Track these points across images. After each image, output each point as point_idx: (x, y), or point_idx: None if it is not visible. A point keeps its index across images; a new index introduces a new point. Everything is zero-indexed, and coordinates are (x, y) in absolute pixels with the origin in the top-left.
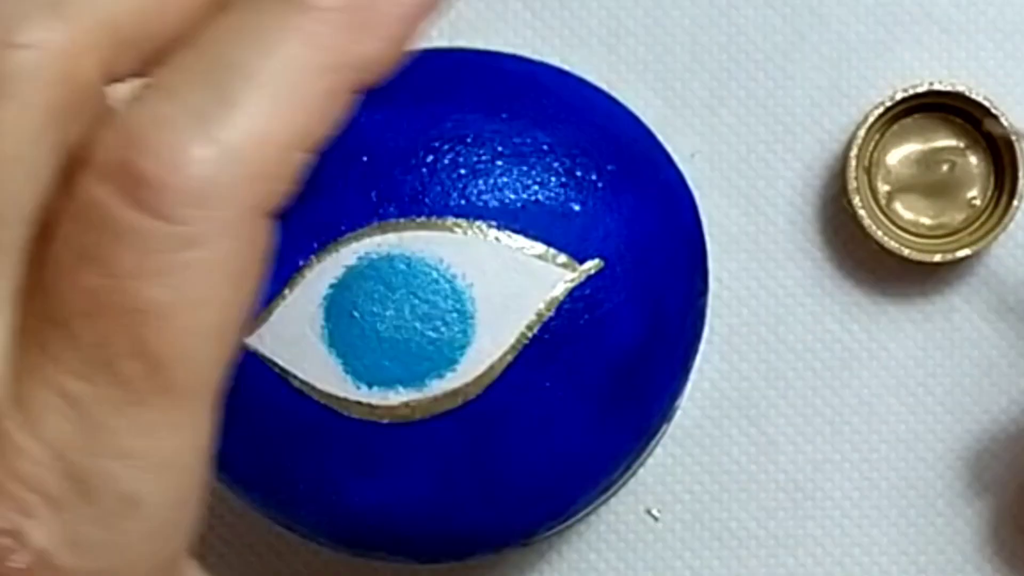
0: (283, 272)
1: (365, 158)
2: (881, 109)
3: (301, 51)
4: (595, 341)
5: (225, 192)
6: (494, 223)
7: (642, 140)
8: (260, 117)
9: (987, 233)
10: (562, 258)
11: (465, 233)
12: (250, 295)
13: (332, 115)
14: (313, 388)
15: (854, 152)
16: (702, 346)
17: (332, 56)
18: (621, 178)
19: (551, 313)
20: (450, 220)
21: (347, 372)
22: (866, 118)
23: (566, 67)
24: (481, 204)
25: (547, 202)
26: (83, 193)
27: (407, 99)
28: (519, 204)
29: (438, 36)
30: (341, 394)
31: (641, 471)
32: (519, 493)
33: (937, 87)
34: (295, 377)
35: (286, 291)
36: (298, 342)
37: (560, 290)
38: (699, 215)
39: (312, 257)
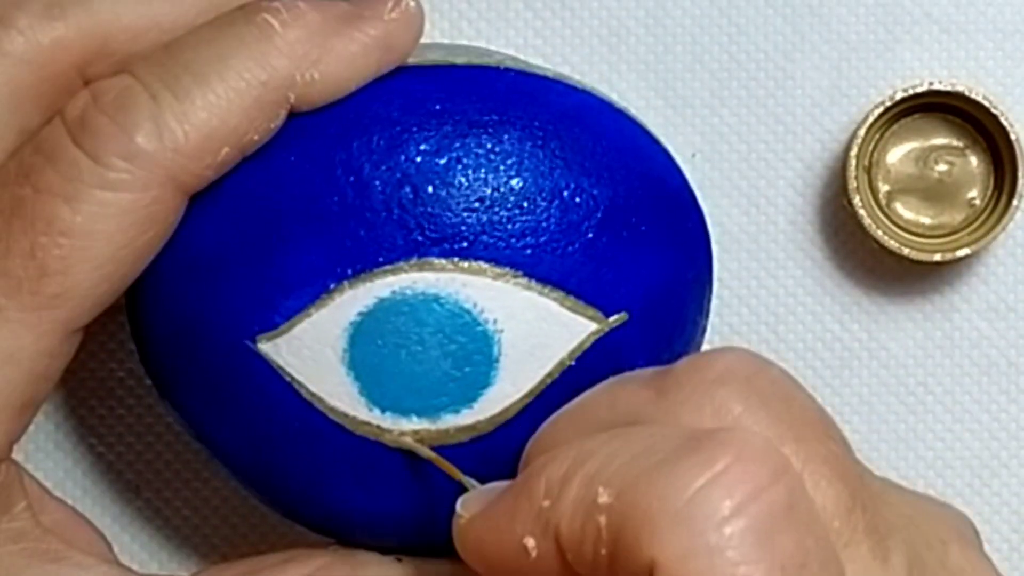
0: (311, 290)
1: (409, 191)
2: (881, 109)
3: (250, 64)
4: None
5: (154, 158)
6: (533, 273)
7: (675, 185)
8: (202, 111)
9: (987, 233)
10: (591, 311)
11: (504, 281)
12: (143, 249)
13: (264, 124)
14: (322, 402)
15: (854, 152)
16: (703, 345)
17: (275, 76)
18: (655, 230)
19: (572, 362)
20: (489, 267)
21: (362, 394)
22: (866, 118)
23: (567, 67)
24: (522, 252)
25: (586, 254)
26: (47, 129)
27: (454, 131)
28: (559, 254)
29: (439, 36)
30: (351, 412)
31: None
32: None
33: (937, 87)
34: (304, 388)
35: (311, 309)
36: (316, 359)
37: (585, 341)
38: (711, 256)
39: (344, 283)
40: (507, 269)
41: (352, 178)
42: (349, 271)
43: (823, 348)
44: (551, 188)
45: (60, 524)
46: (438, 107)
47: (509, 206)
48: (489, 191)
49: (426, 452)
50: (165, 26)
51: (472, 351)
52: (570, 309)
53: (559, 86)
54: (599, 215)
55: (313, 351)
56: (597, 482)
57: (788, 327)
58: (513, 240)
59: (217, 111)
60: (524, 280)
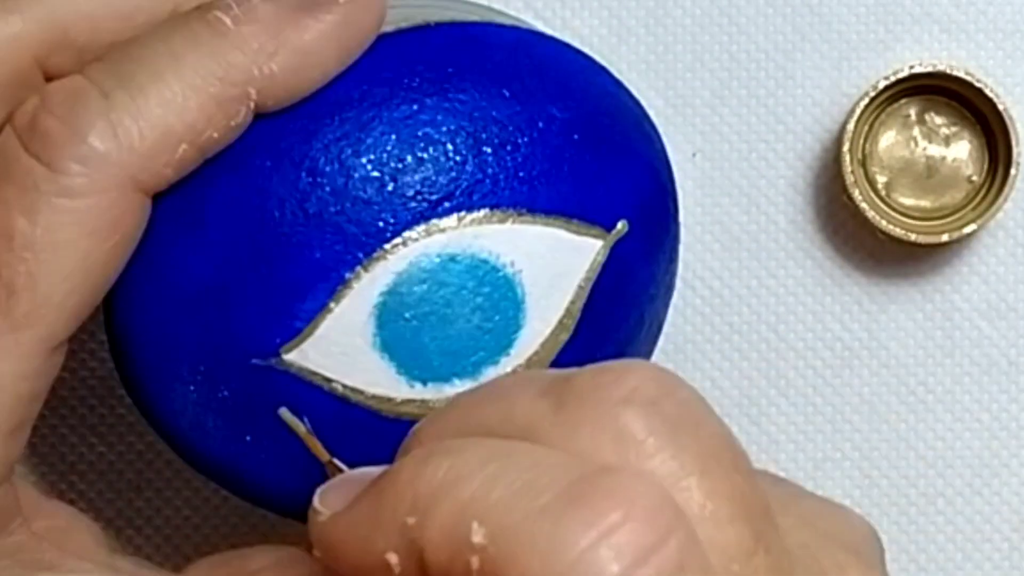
0: (326, 286)
1: (396, 162)
2: (867, 100)
3: (205, 61)
4: (631, 302)
5: (109, 159)
6: (535, 207)
7: (625, 98)
8: (157, 107)
9: (990, 206)
10: (595, 229)
11: (512, 223)
12: (111, 256)
13: (224, 121)
14: (361, 392)
15: (846, 147)
16: (703, 345)
17: (232, 71)
18: (627, 139)
19: (591, 282)
20: (494, 212)
21: (400, 373)
22: (853, 110)
23: None
24: (519, 190)
25: (576, 175)
26: None
27: (419, 94)
28: (553, 182)
29: None
30: (392, 395)
31: None
32: None
33: (919, 70)
34: (339, 384)
35: (331, 304)
36: (346, 352)
37: (597, 258)
38: (670, 161)
39: (359, 268)
40: (510, 210)
41: (335, 166)
42: (361, 255)
43: (823, 348)
44: (526, 122)
45: (54, 530)
46: (392, 75)
47: (493, 149)
48: (471, 141)
49: (294, 424)
50: (124, 12)
51: (498, 299)
52: (576, 232)
53: (491, 27)
54: (576, 136)
55: (341, 344)
56: (470, 514)
57: (788, 327)
58: (507, 180)
59: (173, 107)
60: (529, 216)
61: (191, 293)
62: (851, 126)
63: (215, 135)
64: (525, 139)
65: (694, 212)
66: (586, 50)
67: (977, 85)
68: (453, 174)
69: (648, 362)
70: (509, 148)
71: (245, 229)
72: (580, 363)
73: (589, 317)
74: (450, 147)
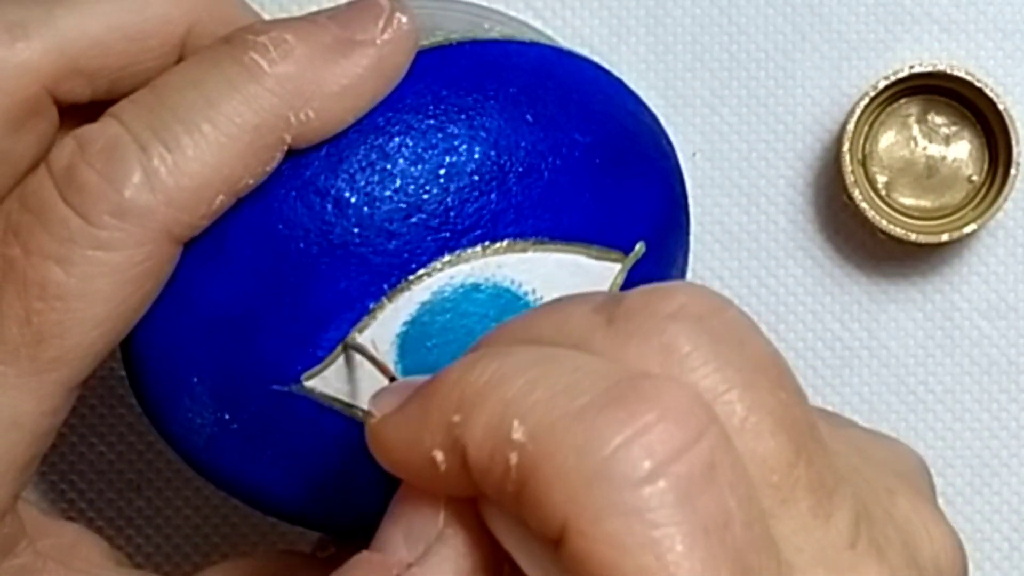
0: (350, 315)
1: (421, 193)
2: (867, 100)
3: (241, 109)
4: None
5: (146, 213)
6: (556, 235)
7: (641, 112)
8: (194, 160)
9: (990, 206)
10: (614, 253)
11: (534, 251)
12: (141, 302)
13: (259, 168)
14: None
15: (846, 147)
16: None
17: (268, 118)
18: (644, 160)
19: None
20: (516, 242)
21: None
22: (853, 110)
23: None
24: (542, 218)
25: (596, 200)
26: (33, 181)
27: (438, 122)
28: (574, 209)
29: None
30: None
31: None
32: None
33: (918, 69)
34: (360, 409)
35: (355, 333)
36: (368, 378)
37: (616, 281)
38: (682, 171)
39: (383, 299)
40: (532, 239)
41: (361, 196)
42: (385, 286)
43: (823, 348)
44: (550, 149)
45: (59, 548)
46: (416, 102)
47: (517, 178)
48: (495, 170)
49: (363, 348)
50: (135, 36)
51: None
52: (596, 257)
53: (513, 45)
54: (597, 161)
55: (364, 371)
56: (512, 412)
57: (788, 327)
58: (531, 209)
59: (210, 160)
60: (551, 244)
61: (211, 319)
62: (851, 126)
63: (251, 182)
64: (549, 166)
65: (694, 212)
66: (586, 50)
67: (977, 85)
68: (478, 204)
69: (698, 284)
70: (534, 176)
71: (268, 258)
72: None
73: None
74: (476, 177)
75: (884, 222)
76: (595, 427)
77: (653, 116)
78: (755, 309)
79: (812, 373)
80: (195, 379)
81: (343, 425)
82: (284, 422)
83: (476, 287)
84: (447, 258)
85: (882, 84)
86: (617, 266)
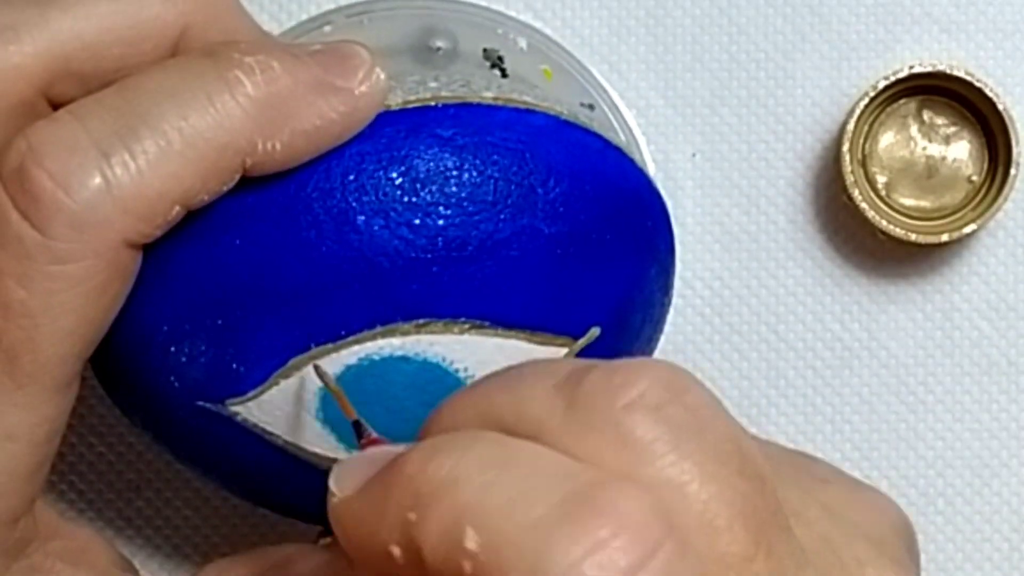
0: (274, 362)
1: (362, 263)
2: (867, 100)
3: (211, 125)
4: None
5: (103, 222)
6: (498, 321)
7: (633, 186)
8: (155, 168)
9: (990, 206)
10: (560, 339)
11: (471, 334)
12: (107, 309)
13: (217, 187)
14: (302, 449)
15: (846, 147)
16: (703, 345)
17: (237, 140)
18: (618, 240)
19: None
20: (454, 323)
21: (340, 442)
22: (853, 110)
23: (567, 68)
24: (485, 304)
25: (550, 288)
26: None
27: (400, 192)
28: (523, 297)
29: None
30: (332, 455)
31: None
32: None
33: (918, 70)
34: (280, 438)
35: (279, 379)
36: (288, 418)
37: None
38: (673, 237)
39: (305, 356)
40: (472, 321)
41: (302, 257)
42: (312, 344)
43: (823, 348)
44: (507, 238)
45: (69, 550)
46: (376, 169)
47: (465, 262)
48: (444, 253)
49: (326, 379)
50: (128, 39)
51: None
52: (539, 343)
53: (503, 113)
54: (559, 251)
55: (285, 411)
56: (466, 519)
57: (788, 327)
58: (474, 294)
59: (174, 171)
60: (490, 329)
61: (146, 333)
62: (851, 126)
63: (205, 197)
64: (503, 254)
65: (694, 212)
66: (586, 50)
67: (977, 85)
68: (419, 283)
69: (662, 362)
70: (484, 262)
71: (204, 297)
72: None
73: None
74: (421, 256)
75: (884, 222)
76: (549, 544)
77: (650, 185)
78: (755, 309)
79: (812, 373)
80: (128, 392)
81: (266, 449)
82: (211, 438)
83: (405, 359)
84: (378, 329)
85: (882, 84)
86: (563, 350)
